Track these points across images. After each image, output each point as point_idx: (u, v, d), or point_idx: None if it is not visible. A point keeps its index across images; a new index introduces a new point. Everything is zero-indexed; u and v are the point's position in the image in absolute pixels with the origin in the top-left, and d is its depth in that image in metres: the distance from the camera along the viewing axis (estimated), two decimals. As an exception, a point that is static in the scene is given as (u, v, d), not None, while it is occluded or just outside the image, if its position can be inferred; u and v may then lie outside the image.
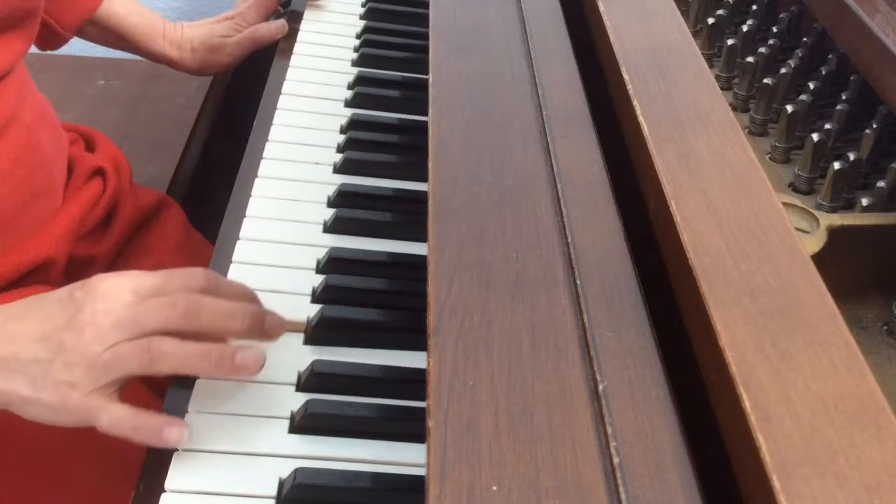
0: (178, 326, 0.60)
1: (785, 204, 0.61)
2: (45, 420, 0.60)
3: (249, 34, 1.12)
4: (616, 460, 0.44)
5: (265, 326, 0.63)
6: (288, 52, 1.07)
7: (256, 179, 0.85)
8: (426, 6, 0.83)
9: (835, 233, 0.64)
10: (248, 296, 0.65)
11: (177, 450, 0.59)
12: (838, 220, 0.66)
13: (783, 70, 0.81)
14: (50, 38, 1.01)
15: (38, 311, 0.61)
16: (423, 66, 0.80)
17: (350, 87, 1.02)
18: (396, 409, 0.64)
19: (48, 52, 1.05)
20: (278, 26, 1.12)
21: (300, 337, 0.70)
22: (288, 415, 0.63)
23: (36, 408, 0.59)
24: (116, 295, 0.60)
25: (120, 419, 0.59)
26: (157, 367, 0.59)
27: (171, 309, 0.60)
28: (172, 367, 0.60)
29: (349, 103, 0.99)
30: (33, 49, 0.86)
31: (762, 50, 0.83)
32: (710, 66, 0.76)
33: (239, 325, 0.61)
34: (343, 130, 0.94)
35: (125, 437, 0.59)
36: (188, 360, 0.60)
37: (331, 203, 0.84)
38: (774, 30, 0.89)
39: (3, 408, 0.61)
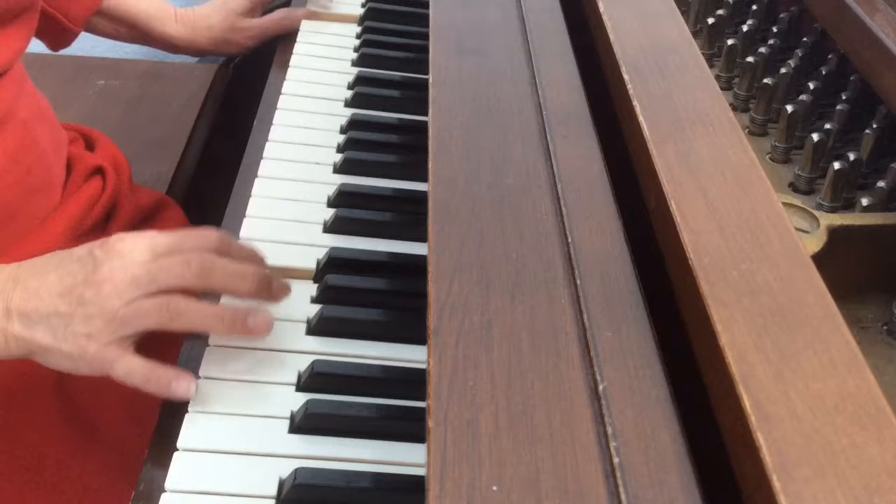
0: (192, 285, 0.64)
1: (785, 204, 0.61)
2: (64, 368, 0.64)
3: (279, 19, 1.13)
4: (616, 460, 0.43)
5: (272, 289, 0.67)
6: (288, 51, 1.07)
7: (256, 179, 0.85)
8: (426, 6, 0.83)
9: (835, 233, 0.64)
10: (258, 258, 0.69)
11: (177, 449, 0.60)
12: (838, 220, 0.66)
13: (783, 70, 0.81)
14: (59, 34, 1.00)
15: (59, 266, 0.64)
16: (423, 66, 0.80)
17: (350, 87, 1.02)
18: (396, 409, 0.64)
19: (55, 51, 1.04)
20: (305, 13, 1.12)
21: (300, 336, 0.70)
22: (288, 415, 0.63)
23: (56, 357, 0.63)
24: (133, 253, 0.63)
25: (133, 369, 0.62)
26: (174, 324, 0.63)
27: (185, 268, 0.63)
28: (188, 325, 0.64)
29: (349, 103, 0.99)
30: (34, 49, 0.86)
31: (762, 50, 0.83)
32: (710, 66, 0.75)
33: (248, 286, 0.65)
34: (343, 130, 0.94)
35: (137, 387, 0.63)
36: (204, 319, 0.64)
37: (331, 203, 0.84)
38: (774, 30, 0.89)
39: (26, 356, 0.64)
